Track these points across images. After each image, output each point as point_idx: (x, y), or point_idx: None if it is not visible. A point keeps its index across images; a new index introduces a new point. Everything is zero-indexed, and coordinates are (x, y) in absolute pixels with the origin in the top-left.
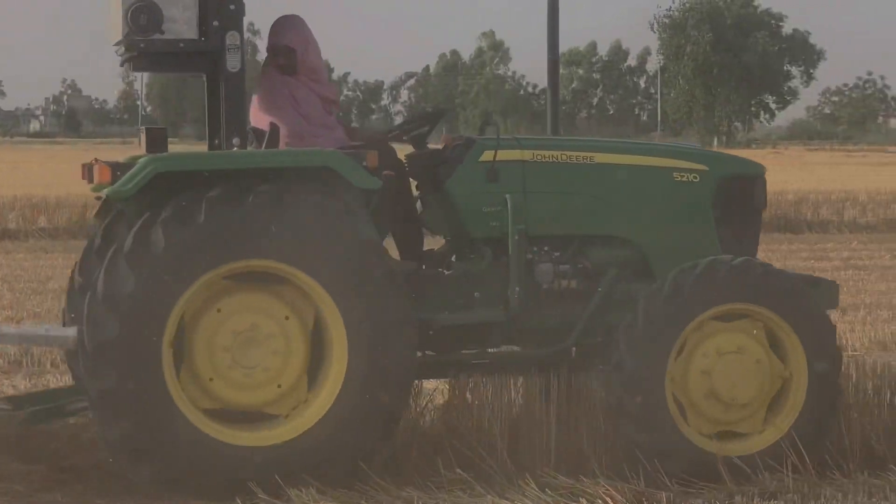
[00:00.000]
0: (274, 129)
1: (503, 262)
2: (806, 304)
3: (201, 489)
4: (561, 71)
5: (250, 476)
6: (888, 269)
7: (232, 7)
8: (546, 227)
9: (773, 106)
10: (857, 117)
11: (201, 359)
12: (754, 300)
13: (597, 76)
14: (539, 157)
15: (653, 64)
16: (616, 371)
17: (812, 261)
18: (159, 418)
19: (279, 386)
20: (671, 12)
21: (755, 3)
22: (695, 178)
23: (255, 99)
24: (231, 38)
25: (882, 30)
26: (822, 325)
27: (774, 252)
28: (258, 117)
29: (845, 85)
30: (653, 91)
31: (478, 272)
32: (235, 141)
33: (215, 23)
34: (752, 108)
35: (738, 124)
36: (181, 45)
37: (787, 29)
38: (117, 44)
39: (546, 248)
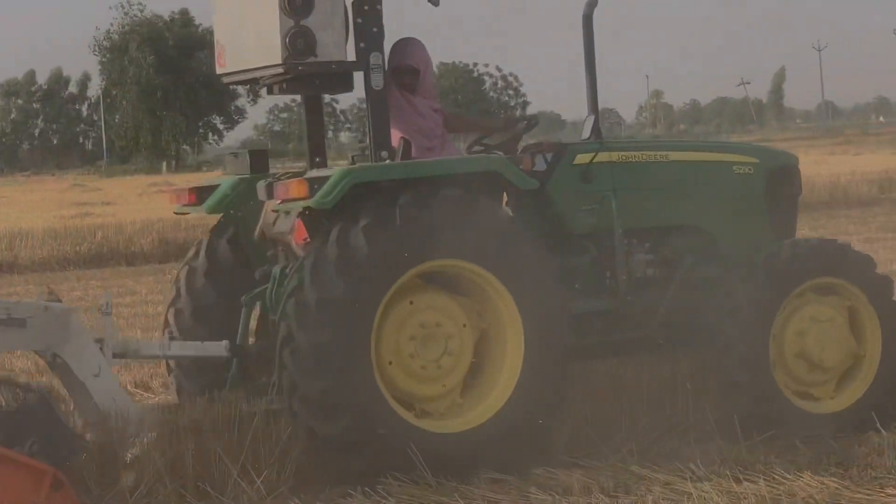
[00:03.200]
0: (406, 144)
1: (602, 255)
2: (876, 275)
3: (410, 478)
4: None
5: (452, 461)
6: None
7: (374, 30)
8: (633, 220)
9: (220, 126)
10: (302, 134)
11: (387, 342)
12: (836, 274)
13: (36, 106)
14: (624, 158)
15: (95, 90)
16: (726, 352)
17: None
18: (372, 413)
19: (443, 385)
20: (111, 35)
21: (196, 23)
22: (749, 170)
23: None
24: (374, 59)
25: None
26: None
27: None
28: None
29: (293, 101)
30: (96, 118)
31: (580, 266)
32: (384, 154)
33: (362, 44)
34: (201, 130)
35: (186, 147)
36: (333, 66)
37: None
38: (265, 67)
39: (634, 240)
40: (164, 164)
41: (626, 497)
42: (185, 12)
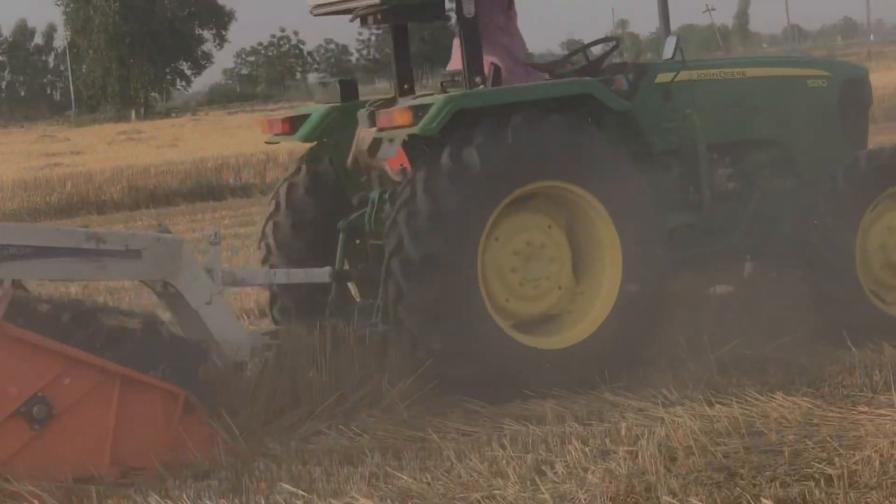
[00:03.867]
0: (496, 70)
1: (684, 171)
2: None
3: (512, 389)
4: None
5: (553, 375)
6: None
7: None
8: (714, 136)
9: (188, 72)
10: (275, 75)
11: (496, 285)
12: None
13: (2, 58)
14: (703, 76)
15: (60, 40)
16: (815, 264)
17: (237, 227)
18: (476, 325)
19: (560, 287)
20: None
21: None
22: (822, 83)
23: (456, 44)
24: None
25: None
26: None
27: (198, 221)
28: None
29: (260, 44)
30: (63, 68)
31: (664, 182)
32: (477, 80)
33: None
34: (168, 77)
35: (155, 94)
36: None
37: None
38: None
39: (715, 156)
40: (133, 111)
41: (599, 424)
42: None
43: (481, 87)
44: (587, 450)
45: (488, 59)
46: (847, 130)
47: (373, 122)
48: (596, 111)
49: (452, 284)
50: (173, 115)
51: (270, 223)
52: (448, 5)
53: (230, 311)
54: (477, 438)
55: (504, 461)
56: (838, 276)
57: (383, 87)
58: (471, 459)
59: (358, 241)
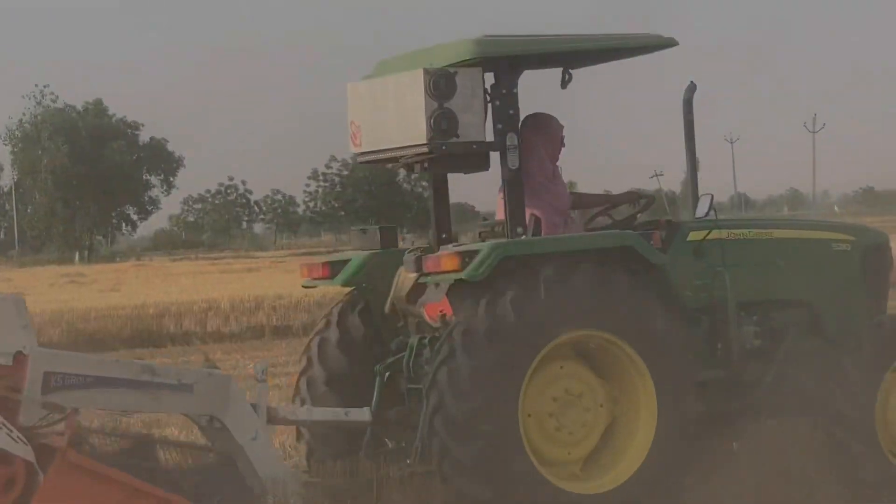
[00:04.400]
0: (536, 220)
1: (713, 326)
2: None
3: None
4: None
5: None
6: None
7: (510, 112)
8: (742, 294)
9: (134, 217)
10: (221, 224)
11: (534, 431)
12: None
13: None
14: (733, 235)
15: (7, 180)
16: (836, 420)
17: None
18: (520, 474)
19: (569, 453)
20: (24, 124)
21: (109, 113)
22: (847, 247)
23: (499, 194)
24: (510, 140)
25: (238, 137)
26: None
27: None
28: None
29: (207, 191)
30: (8, 208)
31: (695, 336)
32: (519, 230)
33: (499, 125)
34: (114, 221)
35: (100, 238)
36: (473, 146)
37: (143, 137)
38: (407, 147)
39: (743, 313)
40: (77, 254)
41: None
42: (98, 102)
43: (522, 236)
44: None
45: (530, 210)
46: (869, 293)
47: (415, 268)
48: (634, 264)
49: (496, 438)
50: (118, 259)
51: (304, 378)
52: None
53: (273, 447)
54: None
55: None
56: (858, 431)
57: (328, 239)
58: None
59: (395, 385)
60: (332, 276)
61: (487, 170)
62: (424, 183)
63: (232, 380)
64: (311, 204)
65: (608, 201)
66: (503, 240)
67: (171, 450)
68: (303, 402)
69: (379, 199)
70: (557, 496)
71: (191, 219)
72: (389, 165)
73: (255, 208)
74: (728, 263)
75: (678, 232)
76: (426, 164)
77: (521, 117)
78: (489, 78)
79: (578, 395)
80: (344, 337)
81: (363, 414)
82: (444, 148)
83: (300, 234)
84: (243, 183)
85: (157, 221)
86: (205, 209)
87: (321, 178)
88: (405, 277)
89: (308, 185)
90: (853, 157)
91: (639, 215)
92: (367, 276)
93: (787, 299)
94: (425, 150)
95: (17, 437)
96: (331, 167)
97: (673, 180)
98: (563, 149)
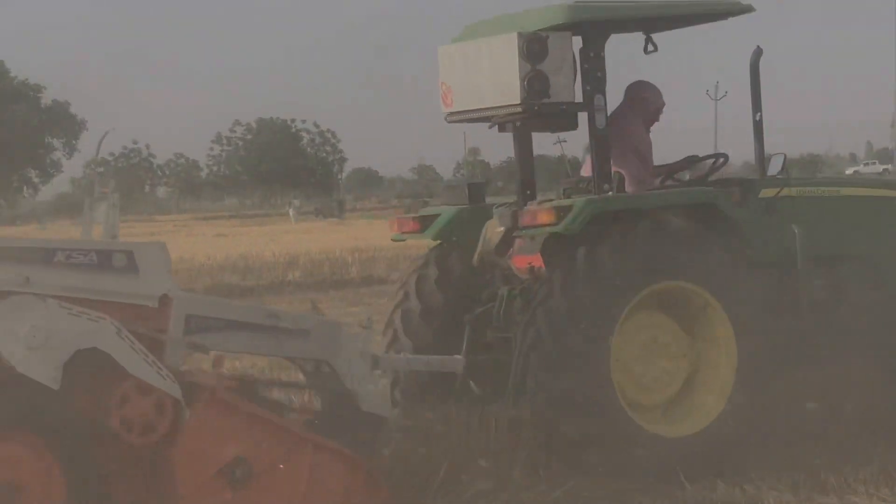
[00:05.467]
0: (621, 177)
1: (784, 280)
2: None
3: (638, 475)
4: None
5: (678, 463)
6: None
7: (598, 74)
8: (812, 249)
9: (36, 180)
10: (124, 187)
11: (621, 375)
12: None
13: None
14: (803, 193)
15: None
16: None
17: None
18: (607, 413)
19: (679, 379)
20: None
21: (12, 75)
22: None
23: (587, 152)
24: (598, 101)
25: (143, 101)
26: None
27: None
28: (588, 165)
29: (111, 154)
30: None
31: (767, 289)
32: (605, 186)
33: (588, 87)
34: (15, 184)
35: (1, 201)
36: (563, 107)
37: (46, 100)
38: (500, 107)
39: (812, 267)
40: None
41: None
42: (0, 64)
43: (609, 193)
44: None
45: (615, 168)
46: None
47: (510, 222)
48: (714, 219)
49: (587, 376)
50: (18, 222)
51: (399, 311)
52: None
53: (382, 391)
54: None
55: None
56: None
57: (231, 203)
58: None
59: (483, 334)
60: (422, 230)
61: (576, 129)
62: (328, 148)
63: (343, 326)
64: (215, 168)
65: (679, 167)
66: (595, 196)
67: (283, 393)
68: (394, 334)
69: (283, 162)
70: (642, 436)
71: (94, 182)
72: (484, 124)
73: (158, 172)
74: (798, 219)
75: (752, 189)
76: (519, 124)
77: (608, 80)
78: (577, 42)
79: (663, 344)
80: (439, 280)
81: (456, 362)
82: (536, 108)
83: (203, 198)
84: (147, 147)
85: (59, 184)
86: (107, 172)
87: (225, 142)
88: (493, 231)
89: (212, 150)
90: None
91: (714, 173)
92: (456, 230)
93: (853, 254)
94: (518, 109)
95: (166, 374)
96: (234, 131)
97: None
98: (657, 119)
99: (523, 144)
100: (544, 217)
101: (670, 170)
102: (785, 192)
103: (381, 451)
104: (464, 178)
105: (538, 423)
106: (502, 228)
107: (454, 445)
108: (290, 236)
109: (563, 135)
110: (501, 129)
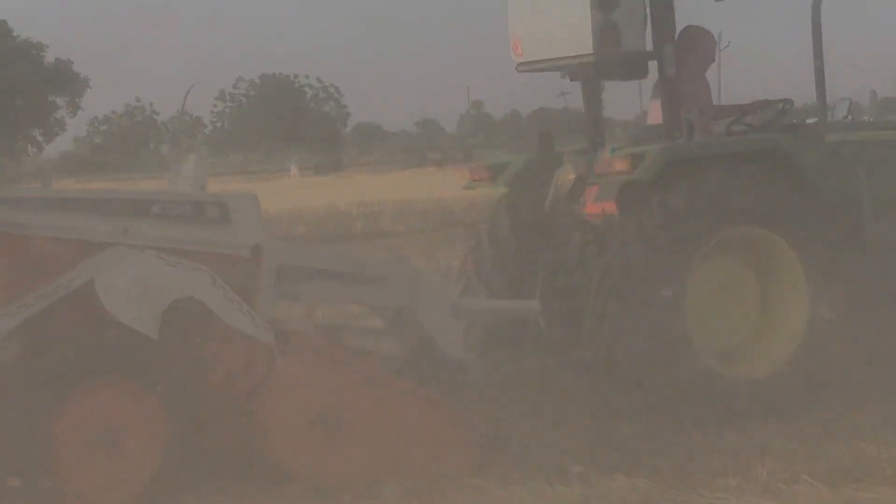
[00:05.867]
0: (688, 122)
1: (853, 222)
2: None
3: (709, 417)
4: None
5: (749, 406)
6: None
7: (667, 22)
8: (877, 192)
9: (40, 139)
10: (129, 145)
11: (694, 317)
12: None
13: None
14: (868, 137)
15: None
16: None
17: None
18: (681, 354)
19: (749, 322)
20: None
21: (14, 35)
22: None
23: (653, 100)
24: (667, 49)
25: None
26: None
27: None
28: (657, 114)
29: (114, 112)
30: None
31: (834, 232)
32: (676, 134)
33: (657, 36)
34: (20, 143)
35: (6, 159)
36: (634, 55)
37: (48, 59)
38: (573, 57)
39: (878, 209)
40: None
41: (440, 500)
42: (3, 24)
43: (680, 140)
44: None
45: (680, 113)
46: None
47: (584, 170)
48: (783, 164)
49: (662, 316)
50: (23, 181)
51: (473, 256)
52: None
53: (459, 336)
54: None
55: None
56: None
57: (235, 159)
58: None
59: (555, 280)
60: (493, 179)
61: (646, 77)
62: (332, 102)
63: (422, 273)
64: (219, 125)
65: (743, 111)
66: (668, 143)
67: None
68: (468, 279)
69: (285, 119)
70: (715, 378)
71: (97, 140)
72: (556, 73)
73: (163, 129)
74: (865, 163)
75: (819, 134)
76: (590, 73)
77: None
78: None
79: (735, 288)
80: (512, 226)
81: (532, 306)
82: (607, 57)
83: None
84: (150, 104)
85: (62, 143)
86: (111, 130)
87: (228, 98)
88: (565, 179)
89: (215, 107)
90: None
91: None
92: (527, 178)
93: None
94: (590, 59)
95: (259, 323)
96: (238, 88)
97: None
98: (713, 62)
99: (592, 93)
100: (619, 165)
101: (740, 111)
102: (851, 136)
103: (463, 396)
104: (534, 127)
105: (613, 366)
106: (573, 176)
107: (530, 389)
108: (295, 192)
109: (566, 87)
110: (573, 77)
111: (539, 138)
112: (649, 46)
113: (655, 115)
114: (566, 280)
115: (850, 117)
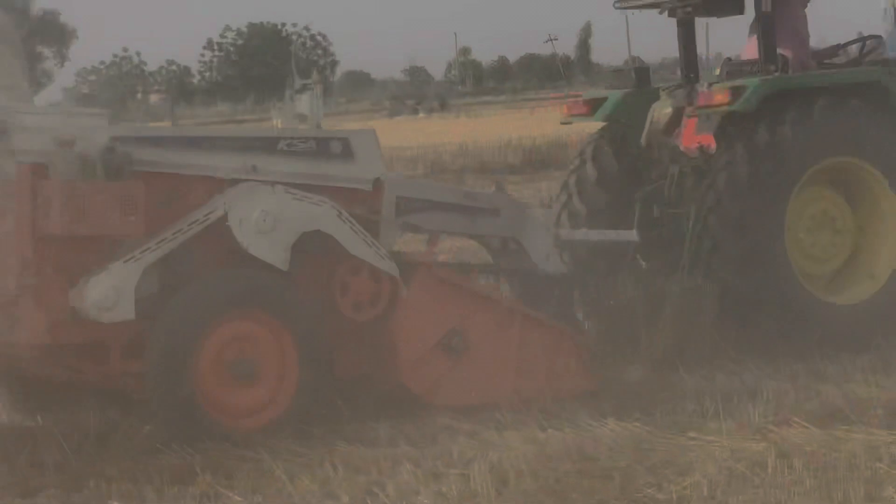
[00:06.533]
0: (784, 59)
1: None
2: None
3: (805, 339)
4: None
5: (842, 330)
6: None
7: None
8: None
9: (28, 89)
10: (117, 96)
11: (791, 244)
12: None
13: None
14: None
15: None
16: None
17: None
18: (780, 277)
19: (845, 251)
20: None
21: None
22: None
23: (750, 34)
24: None
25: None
26: None
27: None
28: (752, 49)
29: (102, 63)
30: None
31: None
32: (772, 68)
33: None
34: None
35: None
36: None
37: (35, 10)
38: None
39: None
40: None
41: (432, 447)
42: None
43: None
44: (419, 472)
45: (779, 50)
46: None
47: (685, 103)
48: (880, 97)
49: (763, 239)
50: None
51: (565, 210)
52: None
53: (562, 266)
54: (309, 459)
55: (336, 482)
56: None
57: (224, 108)
58: (303, 480)
59: (651, 211)
60: (591, 113)
61: (742, 13)
62: (319, 51)
63: (528, 205)
64: (207, 74)
65: (837, 47)
66: (767, 76)
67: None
68: (568, 197)
69: (272, 68)
70: (810, 301)
71: (85, 90)
72: (654, 11)
73: (151, 80)
74: None
75: None
76: (688, 9)
77: None
78: None
79: (831, 217)
80: (601, 169)
81: (631, 235)
82: None
83: (195, 104)
84: (138, 54)
85: (50, 94)
86: (99, 81)
87: (216, 48)
88: (661, 112)
89: (203, 56)
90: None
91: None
92: (624, 113)
93: None
94: None
95: (384, 254)
96: (225, 37)
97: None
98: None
99: (688, 30)
100: (720, 97)
101: (835, 47)
102: None
103: (579, 320)
104: (629, 63)
105: (712, 287)
106: (670, 110)
107: (631, 315)
108: None
109: (552, 33)
110: (671, 14)
111: (636, 73)
112: None
113: (751, 51)
114: (662, 211)
115: None
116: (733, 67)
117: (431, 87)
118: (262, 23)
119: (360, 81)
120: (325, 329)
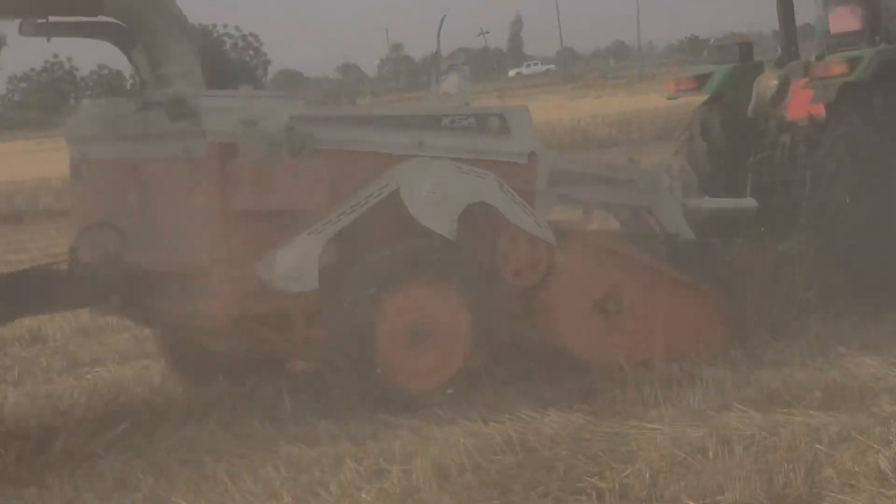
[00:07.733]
0: (887, 28)
1: None
2: None
3: None
4: None
5: None
6: None
7: None
8: None
9: None
10: (49, 102)
11: None
12: None
13: None
14: None
15: None
16: None
17: (9, 254)
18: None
19: None
20: None
21: None
22: None
23: (842, 8)
24: None
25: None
26: None
27: None
28: (842, 22)
29: (33, 69)
30: None
31: None
32: (877, 38)
33: None
34: None
35: None
36: None
37: None
38: None
39: None
40: None
41: (373, 444)
42: None
43: (882, 45)
44: (361, 470)
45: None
46: None
47: (802, 74)
48: None
49: (884, 203)
50: None
51: (686, 149)
52: None
53: (691, 234)
54: (251, 461)
55: (278, 483)
56: None
57: None
58: (245, 481)
59: (761, 179)
60: (699, 88)
61: None
62: (251, 52)
63: (663, 175)
64: (138, 78)
65: None
66: (882, 46)
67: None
68: (681, 168)
69: (205, 70)
70: None
71: (17, 98)
72: None
73: (83, 84)
74: None
75: None
76: None
77: None
78: None
79: None
80: (709, 141)
81: (750, 202)
82: None
83: None
84: (69, 60)
85: None
86: (31, 88)
87: None
88: (767, 84)
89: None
90: (675, 6)
91: None
92: (729, 86)
93: None
94: None
95: (542, 223)
96: None
97: (499, 37)
98: None
99: (786, 6)
100: (837, 68)
101: None
102: None
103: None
104: (731, 37)
105: (831, 251)
106: (776, 82)
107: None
108: None
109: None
110: None
111: (740, 48)
112: None
113: (840, 23)
114: (774, 178)
115: None
116: (833, 40)
117: (365, 83)
118: (193, 25)
119: (293, 80)
120: (492, 294)
